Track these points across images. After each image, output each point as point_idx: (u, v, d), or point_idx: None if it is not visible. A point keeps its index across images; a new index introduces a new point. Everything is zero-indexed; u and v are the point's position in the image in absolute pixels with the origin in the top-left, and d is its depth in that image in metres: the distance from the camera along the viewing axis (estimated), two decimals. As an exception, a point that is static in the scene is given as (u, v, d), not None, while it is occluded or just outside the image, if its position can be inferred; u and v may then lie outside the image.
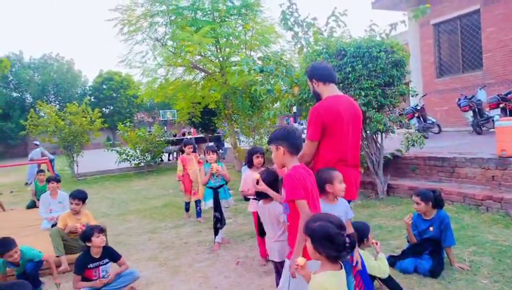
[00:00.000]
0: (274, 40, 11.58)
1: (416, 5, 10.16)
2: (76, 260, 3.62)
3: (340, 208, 2.59)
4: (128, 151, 14.03)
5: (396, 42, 5.97)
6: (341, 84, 5.75)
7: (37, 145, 13.22)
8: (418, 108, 10.40)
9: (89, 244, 3.54)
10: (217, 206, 4.79)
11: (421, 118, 10.43)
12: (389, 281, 3.09)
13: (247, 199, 4.12)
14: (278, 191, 2.90)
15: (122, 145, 14.99)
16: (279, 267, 2.85)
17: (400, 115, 7.00)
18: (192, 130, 21.80)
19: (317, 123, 2.78)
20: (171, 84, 12.22)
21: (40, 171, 8.17)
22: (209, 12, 11.36)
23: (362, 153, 6.56)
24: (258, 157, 4.09)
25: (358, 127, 2.97)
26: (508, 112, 8.74)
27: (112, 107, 42.45)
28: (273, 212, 2.86)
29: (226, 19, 11.42)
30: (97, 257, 3.59)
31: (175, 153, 17.90)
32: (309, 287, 1.98)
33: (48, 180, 6.04)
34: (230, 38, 11.26)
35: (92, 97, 40.38)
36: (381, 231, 4.75)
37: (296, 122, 27.01)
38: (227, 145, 16.26)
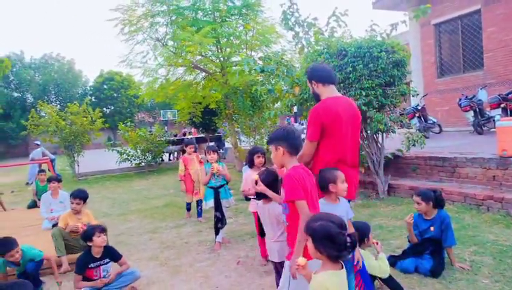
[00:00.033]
0: (275, 40, 11.59)
1: (417, 5, 10.15)
2: (77, 260, 3.63)
3: (342, 208, 2.60)
4: (129, 151, 14.05)
5: (397, 42, 5.97)
6: (342, 84, 5.76)
7: (38, 145, 13.24)
8: (419, 108, 10.41)
9: (90, 243, 3.54)
10: (218, 206, 4.80)
11: (422, 118, 10.43)
12: (389, 281, 3.09)
13: (247, 199, 4.12)
14: (277, 191, 2.90)
15: (123, 145, 15.01)
16: (278, 267, 2.85)
17: (400, 115, 7.01)
18: (192, 130, 21.80)
19: (316, 124, 2.80)
20: (171, 84, 12.24)
21: (41, 171, 8.19)
22: (209, 12, 11.37)
23: (363, 153, 6.56)
24: (259, 157, 4.09)
25: (357, 128, 2.99)
26: (508, 112, 8.73)
27: (112, 107, 42.47)
28: (273, 212, 2.86)
29: (227, 19, 11.43)
30: (98, 256, 3.60)
31: (176, 153, 17.92)
32: (310, 287, 1.98)
33: (49, 180, 6.05)
34: (231, 38, 11.27)
35: (93, 97, 40.38)
36: (381, 230, 4.75)
37: (296, 122, 27.01)
38: (227, 145, 16.27)
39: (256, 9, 11.36)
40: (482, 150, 6.38)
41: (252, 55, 11.03)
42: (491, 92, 9.95)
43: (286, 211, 2.39)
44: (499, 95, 8.99)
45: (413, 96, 6.54)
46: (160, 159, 15.37)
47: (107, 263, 3.66)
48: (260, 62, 7.64)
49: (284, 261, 2.55)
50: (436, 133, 10.51)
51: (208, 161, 5.08)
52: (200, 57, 11.63)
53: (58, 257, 4.23)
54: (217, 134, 17.77)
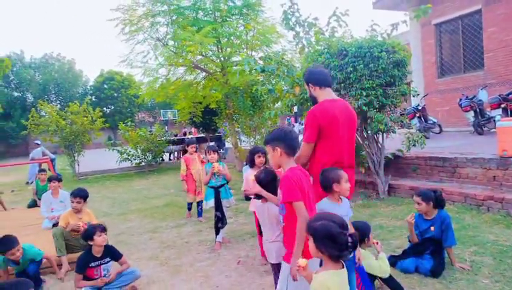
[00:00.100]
0: (275, 40, 11.60)
1: (418, 5, 10.15)
2: (77, 259, 3.63)
3: (344, 208, 2.62)
4: (129, 151, 14.05)
5: (398, 42, 5.97)
6: (342, 84, 5.76)
7: (38, 144, 13.24)
8: (419, 108, 10.41)
9: (90, 243, 3.55)
10: (218, 206, 4.81)
11: (422, 118, 10.43)
12: (390, 280, 3.09)
13: (248, 199, 4.11)
14: (276, 190, 2.89)
15: (123, 144, 15.02)
16: (276, 269, 2.83)
17: (401, 115, 7.00)
18: (193, 129, 21.82)
19: (313, 126, 2.84)
20: (172, 84, 12.25)
21: (42, 170, 8.19)
22: (210, 12, 11.37)
23: (363, 153, 6.57)
24: (259, 156, 4.09)
25: (353, 130, 3.05)
26: (509, 112, 8.73)
27: (113, 107, 42.49)
28: (272, 211, 2.85)
29: (228, 19, 11.43)
30: (98, 255, 3.60)
31: (176, 153, 17.92)
32: (311, 287, 1.97)
33: (50, 180, 6.05)
34: (232, 38, 11.28)
35: (93, 97, 40.39)
36: (382, 230, 4.75)
37: (297, 122, 27.04)
38: (228, 145, 16.27)
39: (256, 9, 11.36)
40: (482, 150, 6.38)
41: (252, 55, 11.04)
42: (491, 92, 9.95)
43: (283, 211, 2.38)
44: (499, 96, 8.98)
45: (413, 96, 6.54)
46: (161, 158, 15.38)
47: (108, 262, 3.67)
48: (261, 62, 7.65)
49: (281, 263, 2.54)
50: (437, 133, 10.51)
51: (208, 161, 5.09)
52: (200, 56, 11.64)
53: (59, 256, 4.23)
54: (217, 134, 17.77)
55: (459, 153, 6.40)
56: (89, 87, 44.57)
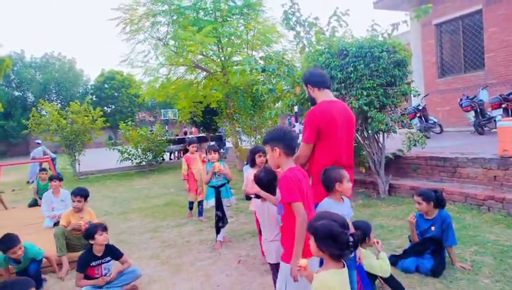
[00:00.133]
0: (276, 40, 11.60)
1: (418, 5, 10.15)
2: (78, 258, 3.64)
3: (346, 207, 2.63)
4: (130, 150, 14.06)
5: (398, 42, 5.97)
6: (343, 84, 5.76)
7: (38, 144, 13.26)
8: (420, 108, 10.41)
9: (92, 242, 3.55)
10: (219, 205, 4.81)
11: (423, 118, 10.44)
12: (390, 280, 3.10)
13: (248, 198, 4.12)
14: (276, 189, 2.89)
15: (124, 144, 15.02)
16: (274, 268, 2.83)
17: (401, 114, 7.01)
18: (193, 129, 21.84)
19: (312, 126, 2.87)
20: (172, 84, 12.26)
21: (43, 169, 8.20)
22: (211, 12, 11.38)
23: (364, 153, 6.57)
24: (260, 156, 4.10)
25: (352, 130, 3.08)
26: (510, 112, 8.73)
27: (113, 106, 42.50)
28: (272, 211, 2.85)
29: (228, 19, 11.44)
30: (99, 255, 3.61)
31: (176, 153, 17.93)
32: (312, 286, 1.98)
33: (51, 179, 6.07)
34: (232, 37, 11.28)
35: (94, 96, 40.38)
36: (382, 230, 4.76)
37: (297, 122, 27.01)
38: (228, 144, 16.28)
39: (257, 9, 11.37)
40: (483, 150, 6.38)
41: (253, 55, 11.05)
42: (492, 93, 9.95)
43: (281, 211, 2.38)
44: (500, 96, 8.99)
45: (414, 96, 6.55)
46: (161, 158, 15.39)
47: (109, 261, 3.68)
48: (261, 62, 7.67)
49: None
50: (437, 133, 10.52)
51: (209, 161, 5.10)
52: (201, 56, 11.64)
53: (59, 256, 4.24)
54: (217, 133, 17.78)
55: (459, 153, 6.40)
56: (89, 87, 44.60)
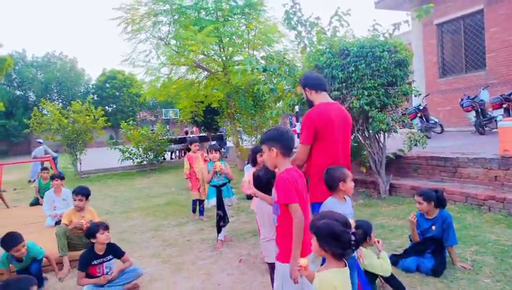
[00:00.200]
0: (277, 40, 11.61)
1: (420, 5, 10.14)
2: (80, 257, 3.65)
3: (349, 207, 2.65)
4: (131, 150, 14.08)
5: (400, 42, 5.97)
6: (344, 84, 5.76)
7: (40, 143, 13.27)
8: (421, 108, 10.40)
9: (93, 240, 3.57)
10: (220, 205, 4.83)
11: (424, 118, 10.43)
12: (391, 279, 3.10)
13: (249, 198, 4.14)
14: None
15: (125, 143, 15.04)
16: (272, 268, 2.82)
17: (402, 114, 7.00)
18: (194, 128, 21.86)
19: (310, 128, 2.93)
20: (174, 83, 12.27)
21: (44, 168, 8.22)
22: (212, 11, 11.39)
23: (364, 153, 6.57)
24: (261, 155, 4.09)
25: (348, 132, 3.15)
26: (511, 112, 8.72)
27: (114, 106, 42.57)
28: (271, 210, 2.85)
29: (229, 18, 11.44)
30: (101, 253, 3.62)
31: (177, 152, 17.95)
32: (313, 285, 1.99)
33: (52, 178, 6.09)
34: (234, 37, 11.29)
35: (95, 96, 40.51)
36: (383, 230, 4.77)
37: (298, 122, 26.99)
38: (229, 144, 16.29)
39: (258, 9, 11.37)
40: (483, 150, 6.38)
41: (254, 55, 11.06)
42: (493, 93, 9.94)
43: (277, 212, 2.37)
44: (501, 96, 8.98)
45: (415, 96, 6.55)
46: (162, 157, 15.41)
47: (110, 259, 3.69)
48: (262, 61, 7.66)
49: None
50: (438, 133, 10.51)
51: (210, 160, 5.11)
52: (202, 56, 11.65)
53: (61, 256, 4.25)
54: (218, 133, 17.79)
55: (460, 153, 6.40)
56: (91, 86, 44.69)
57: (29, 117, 13.93)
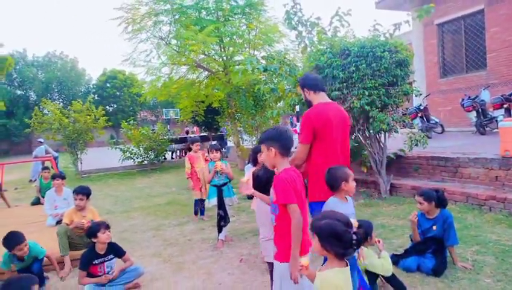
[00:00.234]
0: (278, 40, 11.62)
1: (420, 5, 10.14)
2: (81, 256, 3.66)
3: (351, 206, 2.65)
4: (132, 149, 14.09)
5: (400, 42, 5.98)
6: (345, 84, 5.77)
7: (41, 142, 13.28)
8: (422, 108, 10.40)
9: (94, 240, 3.57)
10: (221, 204, 4.83)
11: (424, 118, 10.43)
12: (392, 279, 3.11)
13: (250, 197, 4.14)
14: None
15: (126, 143, 15.05)
16: (272, 267, 2.82)
17: (403, 114, 7.01)
18: (195, 128, 21.87)
19: (308, 128, 2.96)
20: (174, 83, 12.28)
21: (45, 168, 8.23)
22: (213, 11, 11.39)
23: (365, 153, 6.58)
24: (261, 155, 4.11)
25: (347, 131, 3.17)
26: (511, 113, 8.72)
27: (115, 106, 42.60)
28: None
29: (230, 18, 11.45)
30: (102, 253, 3.62)
31: (178, 152, 17.95)
32: (314, 284, 1.99)
33: (53, 177, 6.10)
34: (234, 37, 11.29)
35: (96, 95, 40.56)
36: (384, 229, 4.77)
37: (298, 121, 26.99)
38: (230, 144, 16.29)
39: (259, 9, 11.37)
40: (484, 150, 6.38)
41: (254, 54, 11.06)
42: (494, 93, 9.93)
43: (276, 211, 2.37)
44: (501, 96, 8.97)
45: (415, 96, 6.55)
46: (163, 157, 15.43)
47: (111, 259, 3.69)
48: (263, 61, 7.65)
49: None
50: (439, 133, 10.51)
51: (211, 160, 5.11)
52: (203, 56, 11.66)
53: (62, 256, 4.25)
54: (219, 133, 17.79)
55: (461, 153, 6.40)
56: (91, 86, 44.73)
57: (30, 117, 13.94)
